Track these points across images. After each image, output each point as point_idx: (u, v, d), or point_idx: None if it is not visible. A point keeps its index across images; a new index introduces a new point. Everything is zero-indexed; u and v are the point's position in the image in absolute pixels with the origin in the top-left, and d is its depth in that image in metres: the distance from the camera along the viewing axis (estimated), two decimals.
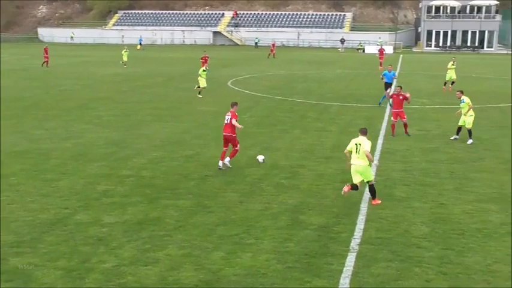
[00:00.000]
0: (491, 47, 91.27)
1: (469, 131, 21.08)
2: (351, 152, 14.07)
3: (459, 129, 21.47)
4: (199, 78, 33.84)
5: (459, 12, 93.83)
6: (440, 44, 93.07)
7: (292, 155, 18.95)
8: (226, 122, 17.57)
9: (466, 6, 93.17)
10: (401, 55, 76.67)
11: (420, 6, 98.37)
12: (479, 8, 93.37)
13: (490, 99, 32.59)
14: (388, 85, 30.67)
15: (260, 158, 18.16)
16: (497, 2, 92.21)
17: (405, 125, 22.59)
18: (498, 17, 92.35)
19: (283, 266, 10.38)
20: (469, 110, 21.04)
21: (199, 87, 33.98)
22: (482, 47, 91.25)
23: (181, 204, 13.89)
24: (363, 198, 14.44)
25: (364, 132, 14.22)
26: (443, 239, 11.81)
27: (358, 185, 13.98)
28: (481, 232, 12.22)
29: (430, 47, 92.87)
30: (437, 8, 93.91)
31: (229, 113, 17.45)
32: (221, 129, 17.78)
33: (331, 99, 33.24)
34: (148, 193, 14.76)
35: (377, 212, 13.38)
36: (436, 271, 10.25)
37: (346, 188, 13.93)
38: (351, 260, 10.65)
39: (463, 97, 21.27)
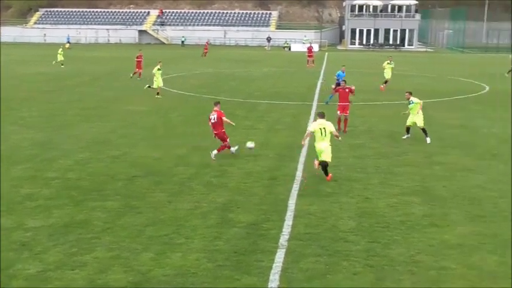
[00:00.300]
0: (412, 45, 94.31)
1: (424, 130, 21.42)
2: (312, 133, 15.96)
3: (408, 128, 21.71)
4: (154, 78, 33.10)
5: (381, 11, 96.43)
6: (364, 42, 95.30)
7: (221, 154, 18.94)
8: (213, 121, 17.65)
9: (387, 6, 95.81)
10: (326, 53, 77.96)
11: (344, 5, 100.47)
12: (400, 7, 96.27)
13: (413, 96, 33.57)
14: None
15: (249, 145, 18.48)
16: (417, 2, 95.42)
17: (346, 121, 22.85)
18: (418, 16, 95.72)
19: (213, 264, 10.38)
20: (418, 110, 21.40)
21: (150, 87, 33.29)
22: (404, 45, 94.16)
23: (108, 205, 13.65)
24: (290, 194, 14.63)
25: (323, 115, 16.10)
26: (369, 232, 12.11)
27: (327, 162, 15.76)
28: (404, 224, 12.62)
29: (354, 44, 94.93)
30: (361, 7, 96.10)
31: (214, 112, 17.69)
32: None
33: (258, 97, 33.45)
34: (75, 195, 14.43)
35: (305, 208, 13.58)
36: (363, 264, 10.51)
37: (316, 162, 15.91)
38: (280, 256, 10.76)
39: (411, 98, 21.58)
